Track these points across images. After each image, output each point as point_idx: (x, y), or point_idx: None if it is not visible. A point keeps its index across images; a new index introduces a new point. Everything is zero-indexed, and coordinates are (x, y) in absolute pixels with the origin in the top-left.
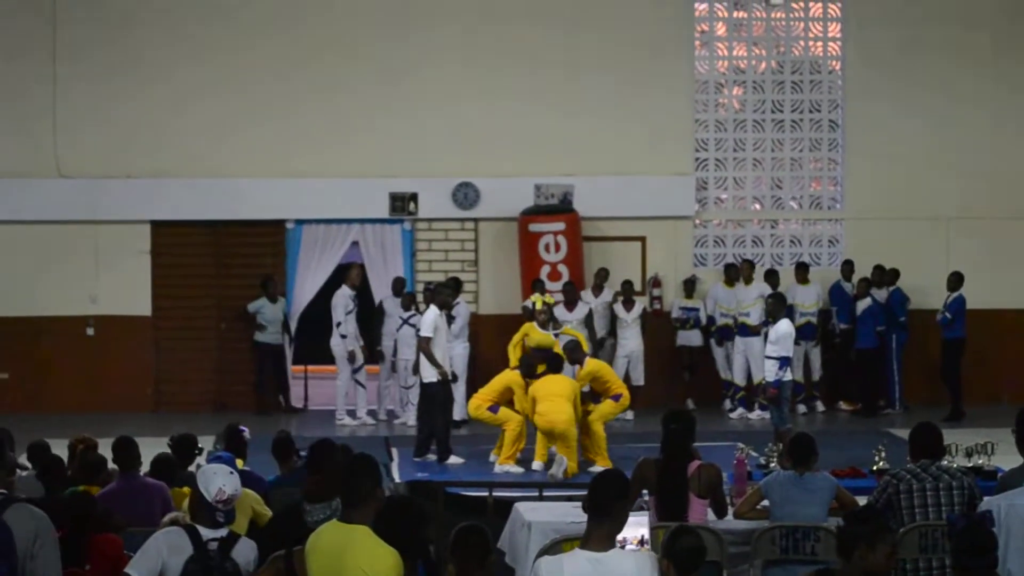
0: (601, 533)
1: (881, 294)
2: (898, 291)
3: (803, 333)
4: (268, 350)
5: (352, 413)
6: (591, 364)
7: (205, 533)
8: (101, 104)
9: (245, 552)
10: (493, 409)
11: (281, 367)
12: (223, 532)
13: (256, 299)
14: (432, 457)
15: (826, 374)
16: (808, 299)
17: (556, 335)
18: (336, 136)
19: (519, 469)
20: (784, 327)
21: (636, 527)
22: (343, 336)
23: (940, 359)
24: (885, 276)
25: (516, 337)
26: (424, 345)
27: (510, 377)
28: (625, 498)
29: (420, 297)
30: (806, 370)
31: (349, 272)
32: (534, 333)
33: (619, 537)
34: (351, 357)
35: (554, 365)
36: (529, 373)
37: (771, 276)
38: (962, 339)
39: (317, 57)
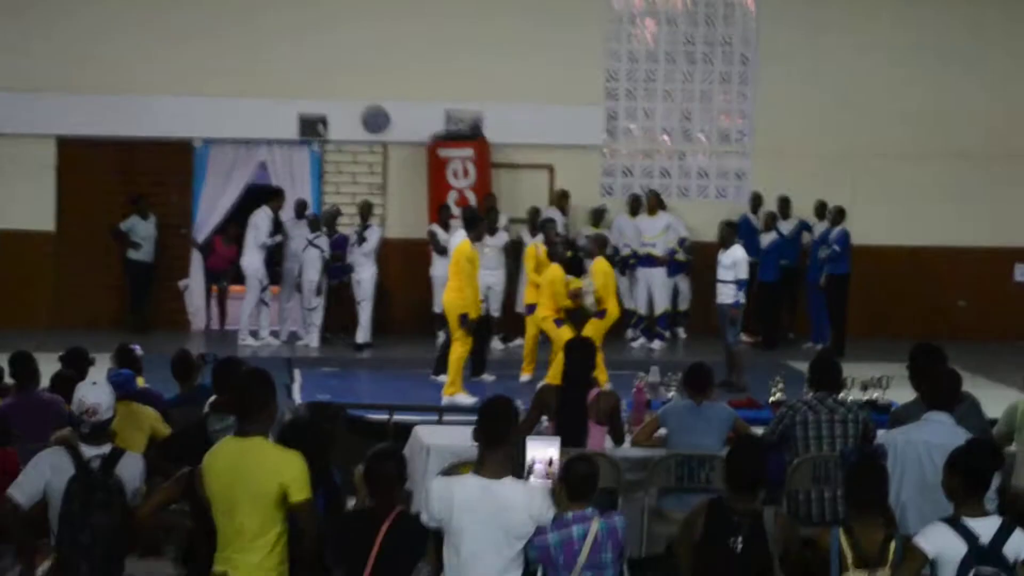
0: (494, 459)
1: (786, 226)
2: (844, 229)
3: (647, 263)
4: (141, 267)
5: (255, 334)
6: (605, 264)
7: (88, 451)
8: (9, 17)
9: (130, 467)
10: (558, 323)
11: (152, 285)
12: (106, 449)
13: (127, 217)
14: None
15: None
16: (654, 230)
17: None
18: (247, 56)
19: None
20: (739, 252)
21: (545, 449)
22: (270, 254)
23: (825, 294)
24: (833, 215)
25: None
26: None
27: (553, 274)
28: (515, 424)
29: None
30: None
31: (275, 198)
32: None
33: (528, 459)
34: (274, 276)
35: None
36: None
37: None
38: (847, 274)
39: None
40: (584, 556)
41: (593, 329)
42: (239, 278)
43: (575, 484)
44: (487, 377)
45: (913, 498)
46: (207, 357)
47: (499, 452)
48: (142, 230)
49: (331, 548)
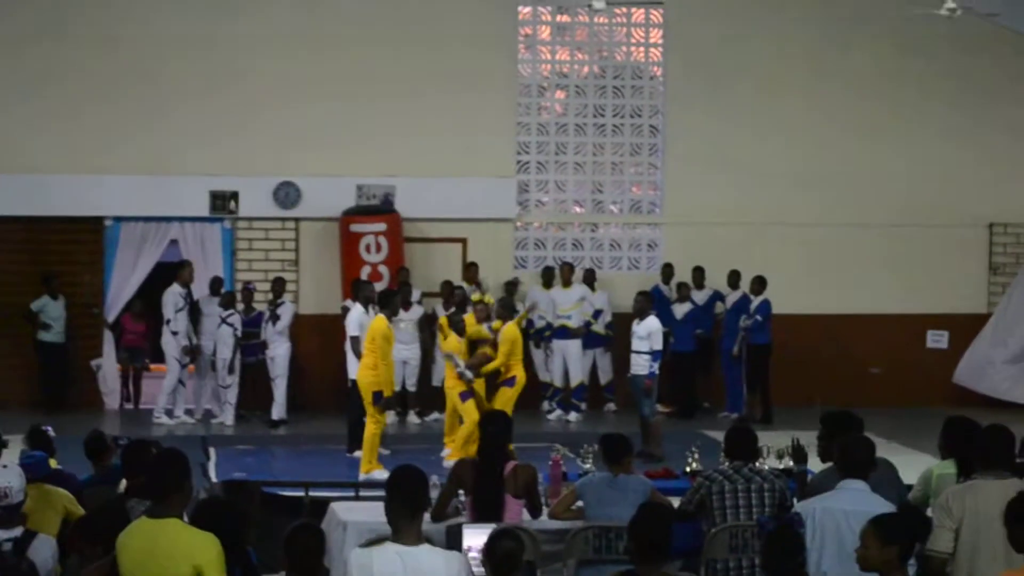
0: (411, 528)
1: (700, 296)
2: (766, 300)
3: (562, 335)
4: (52, 349)
5: (169, 412)
6: (514, 330)
7: None
8: None
9: (42, 550)
10: (464, 396)
11: (65, 365)
12: (18, 532)
13: (39, 298)
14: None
15: None
16: (568, 302)
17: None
18: (157, 133)
19: None
20: (654, 323)
21: (480, 535)
22: (174, 333)
23: (747, 364)
24: (753, 285)
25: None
26: (353, 344)
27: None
28: (427, 491)
29: (239, 296)
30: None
31: (181, 270)
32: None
33: (465, 547)
34: (186, 353)
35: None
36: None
37: (589, 275)
38: (769, 344)
39: (137, 53)
40: None
41: (504, 398)
42: (158, 356)
43: (498, 562)
44: (381, 451)
45: (833, 567)
46: (119, 440)
47: (415, 521)
48: (53, 310)
49: None
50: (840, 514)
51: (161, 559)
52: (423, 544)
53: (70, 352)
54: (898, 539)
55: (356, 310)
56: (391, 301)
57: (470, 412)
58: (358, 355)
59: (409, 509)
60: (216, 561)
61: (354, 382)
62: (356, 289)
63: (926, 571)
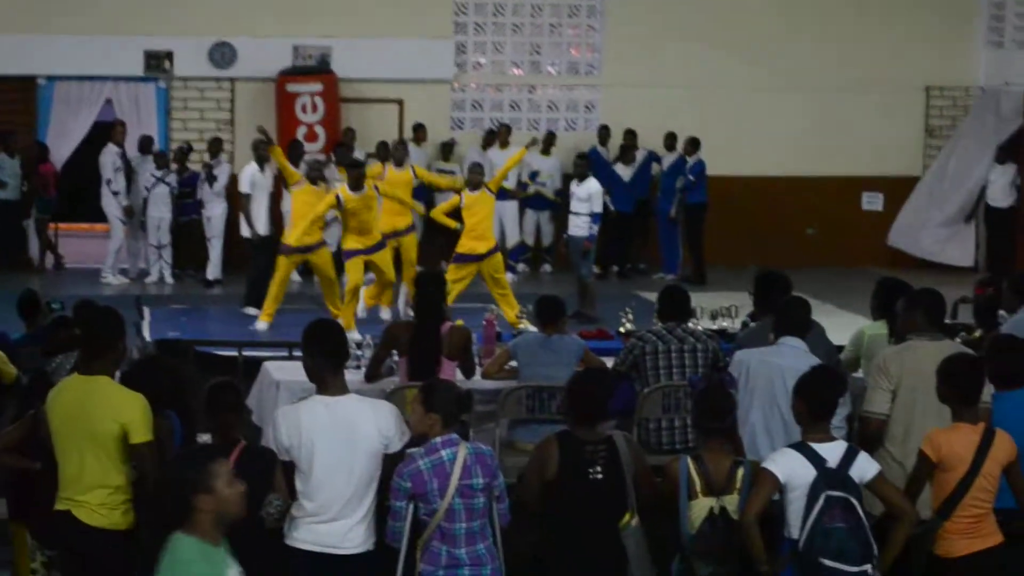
0: (336, 381)
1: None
2: (700, 160)
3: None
4: (7, 207)
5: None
6: None
7: None
8: None
9: None
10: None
11: (18, 224)
12: None
13: None
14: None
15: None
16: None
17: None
18: None
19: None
20: (595, 185)
21: None
22: (115, 193)
23: (683, 224)
24: (687, 146)
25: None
26: (242, 202)
27: None
28: (346, 344)
29: (173, 155)
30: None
31: (113, 129)
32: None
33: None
34: (128, 213)
35: None
36: None
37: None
38: (704, 203)
39: None
40: (456, 478)
41: (497, 262)
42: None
43: (446, 406)
44: (250, 310)
45: (762, 421)
46: (52, 305)
47: (339, 372)
48: (8, 168)
49: None
50: (776, 368)
51: (89, 415)
52: (349, 394)
53: (22, 210)
54: (804, 394)
55: (249, 168)
56: (350, 172)
57: (352, 271)
58: (245, 213)
59: (331, 361)
60: (141, 420)
61: (248, 240)
62: (290, 150)
63: (862, 433)
